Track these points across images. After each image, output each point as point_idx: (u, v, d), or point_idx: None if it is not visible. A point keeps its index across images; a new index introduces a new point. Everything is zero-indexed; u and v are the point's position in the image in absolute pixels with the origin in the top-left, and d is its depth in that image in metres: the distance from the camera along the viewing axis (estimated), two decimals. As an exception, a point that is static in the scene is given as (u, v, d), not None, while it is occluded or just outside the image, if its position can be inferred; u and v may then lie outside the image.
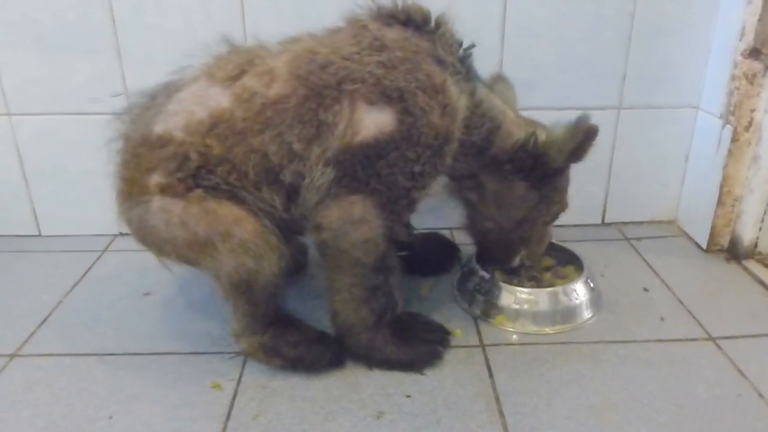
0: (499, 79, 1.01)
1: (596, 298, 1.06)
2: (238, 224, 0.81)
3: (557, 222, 1.03)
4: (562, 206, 1.00)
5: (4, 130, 1.24)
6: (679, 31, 1.20)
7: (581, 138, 0.87)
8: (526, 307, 1.01)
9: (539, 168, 0.92)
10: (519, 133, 0.91)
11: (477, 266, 1.07)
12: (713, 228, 1.23)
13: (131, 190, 0.84)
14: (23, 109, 1.22)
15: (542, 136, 0.90)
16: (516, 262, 1.04)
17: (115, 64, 1.18)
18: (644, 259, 1.22)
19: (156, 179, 0.82)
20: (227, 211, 0.81)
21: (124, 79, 1.19)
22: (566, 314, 1.01)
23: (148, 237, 0.86)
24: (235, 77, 0.83)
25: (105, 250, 1.28)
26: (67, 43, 1.17)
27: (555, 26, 1.19)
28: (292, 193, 0.84)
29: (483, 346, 0.97)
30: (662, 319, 1.03)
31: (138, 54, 1.18)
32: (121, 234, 1.31)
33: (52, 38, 1.17)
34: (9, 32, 1.16)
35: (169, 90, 0.87)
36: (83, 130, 1.21)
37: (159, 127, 0.83)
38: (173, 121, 0.83)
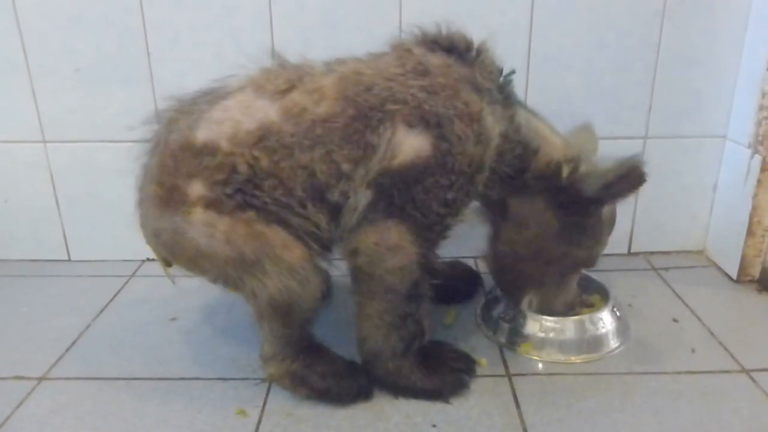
0: (584, 128, 0.99)
1: (623, 328, 1.04)
2: (287, 249, 0.81)
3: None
4: (588, 257, 0.96)
5: (39, 157, 1.27)
6: (705, 60, 1.20)
7: (623, 173, 0.84)
8: (552, 335, 1.00)
9: (566, 191, 0.89)
10: (558, 156, 0.89)
11: (501, 294, 1.06)
12: (743, 258, 1.21)
13: (168, 196, 0.82)
14: (59, 136, 1.26)
15: (584, 166, 0.88)
16: (525, 304, 1.01)
17: (149, 94, 1.21)
18: (673, 290, 1.20)
19: (199, 189, 0.81)
20: (276, 234, 0.81)
21: (157, 108, 1.22)
22: (593, 343, 1.00)
23: (182, 249, 0.83)
24: (285, 91, 0.83)
25: (133, 276, 1.29)
26: (104, 73, 1.21)
27: (581, 56, 1.20)
28: (335, 213, 0.84)
29: (509, 376, 0.95)
30: (693, 350, 1.01)
31: (171, 84, 1.20)
32: (149, 260, 1.33)
33: (90, 68, 1.21)
34: (49, 62, 1.20)
35: (212, 97, 0.86)
36: (117, 158, 1.24)
37: (203, 134, 0.82)
38: (219, 130, 0.82)
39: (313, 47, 1.17)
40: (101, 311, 1.16)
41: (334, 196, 0.82)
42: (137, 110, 1.21)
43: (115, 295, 1.22)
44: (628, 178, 0.85)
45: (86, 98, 1.23)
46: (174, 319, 1.13)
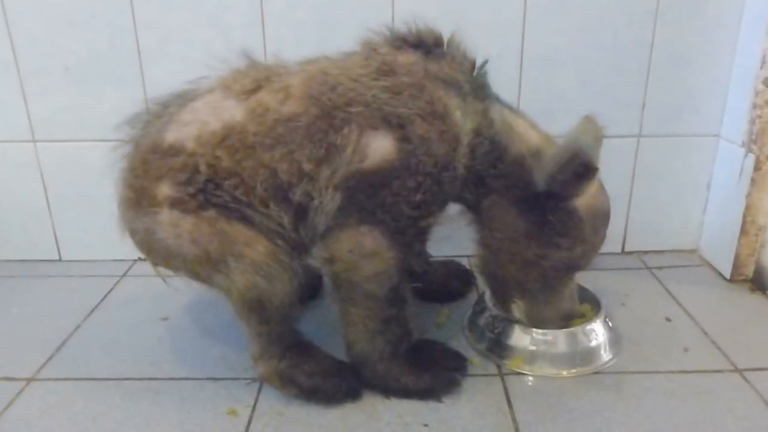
0: (585, 121, 0.86)
1: (615, 339, 1.01)
2: (249, 245, 0.81)
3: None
4: (571, 259, 0.87)
5: (29, 156, 1.26)
6: (698, 59, 1.20)
7: (563, 162, 0.78)
8: (543, 348, 0.96)
9: (522, 186, 0.84)
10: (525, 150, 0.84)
11: (490, 304, 1.03)
12: (737, 257, 1.21)
13: (139, 198, 0.83)
14: (49, 136, 1.25)
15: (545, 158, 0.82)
16: (514, 312, 0.96)
17: (139, 93, 1.21)
18: (666, 289, 1.20)
19: (165, 190, 0.81)
20: (238, 232, 0.81)
21: (141, 110, 1.21)
22: (586, 356, 0.97)
23: (154, 249, 0.85)
24: (251, 91, 0.84)
25: (124, 275, 1.28)
26: (94, 72, 1.20)
27: (574, 55, 1.19)
28: (300, 213, 0.83)
29: (502, 375, 0.95)
30: (686, 349, 1.00)
31: (162, 83, 1.19)
32: (140, 259, 1.32)
33: (80, 67, 1.20)
34: (39, 61, 1.20)
35: (183, 99, 0.87)
36: (108, 157, 1.23)
37: (171, 136, 0.83)
38: (186, 131, 0.83)
39: (305, 46, 1.16)
40: (92, 311, 1.15)
41: (296, 195, 0.81)
42: (128, 109, 1.20)
43: (106, 295, 1.21)
44: (569, 167, 0.78)
45: (77, 97, 1.22)
46: (165, 318, 1.12)
